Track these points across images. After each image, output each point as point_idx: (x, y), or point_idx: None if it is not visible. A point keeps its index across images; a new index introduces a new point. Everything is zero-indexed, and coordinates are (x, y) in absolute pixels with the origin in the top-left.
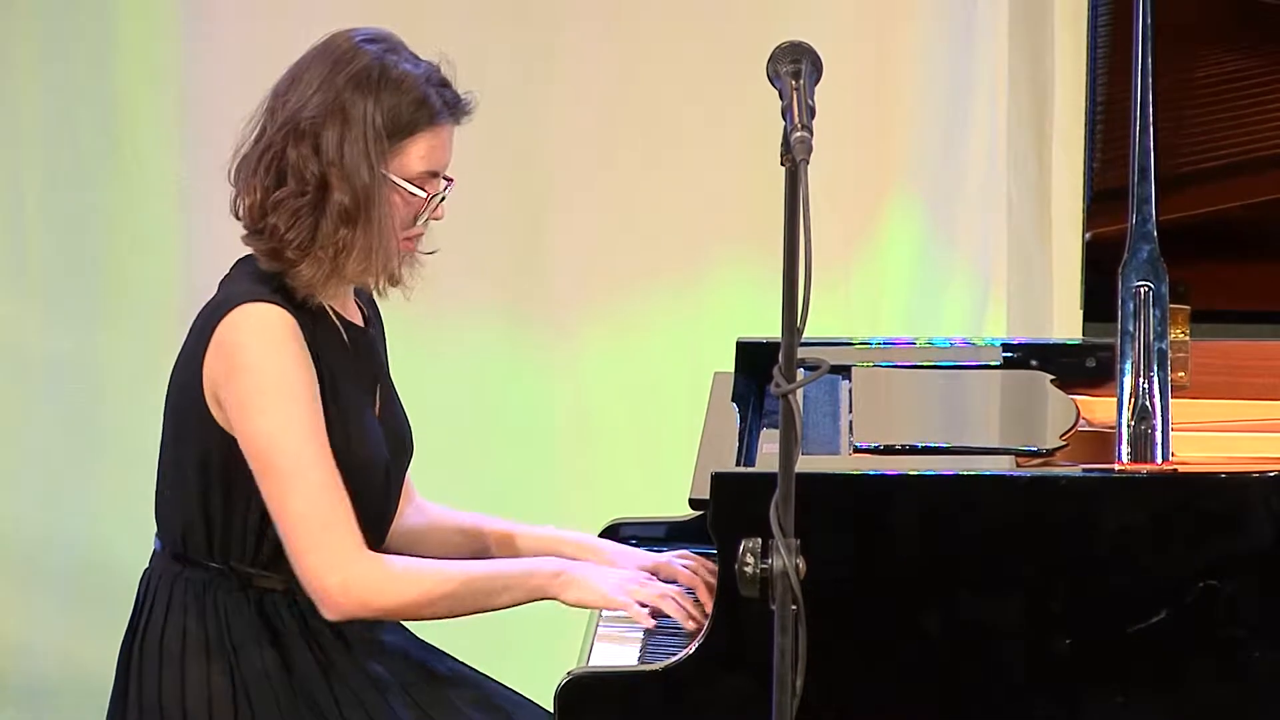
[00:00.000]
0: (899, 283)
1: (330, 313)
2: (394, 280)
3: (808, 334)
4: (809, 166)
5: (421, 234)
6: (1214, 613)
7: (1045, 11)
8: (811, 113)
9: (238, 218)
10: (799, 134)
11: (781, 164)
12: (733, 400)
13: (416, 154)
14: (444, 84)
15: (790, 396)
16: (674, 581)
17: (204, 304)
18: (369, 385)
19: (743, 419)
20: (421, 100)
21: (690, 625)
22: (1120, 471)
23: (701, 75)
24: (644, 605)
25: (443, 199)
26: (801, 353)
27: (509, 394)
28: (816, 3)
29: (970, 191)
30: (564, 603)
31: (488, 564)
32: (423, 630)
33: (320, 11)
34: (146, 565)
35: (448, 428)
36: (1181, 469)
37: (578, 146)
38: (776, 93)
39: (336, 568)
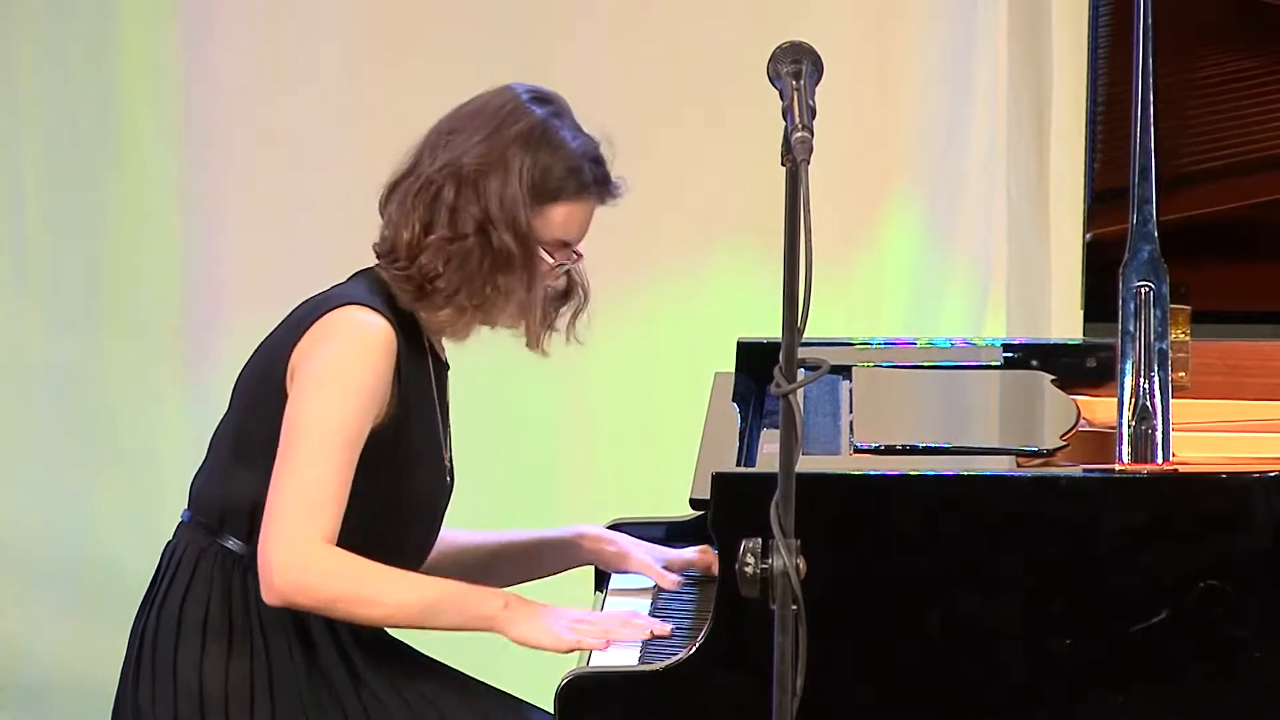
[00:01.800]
0: (899, 283)
1: (428, 346)
2: (538, 339)
3: (808, 334)
4: (809, 166)
5: (551, 301)
6: (1215, 613)
7: (1045, 11)
8: (812, 113)
9: (383, 252)
10: (800, 134)
11: (782, 164)
12: (733, 400)
13: (556, 220)
14: (598, 161)
15: (791, 396)
16: (683, 571)
17: (307, 298)
18: (444, 421)
19: (743, 419)
20: (574, 170)
21: (645, 635)
22: (1121, 472)
23: (702, 75)
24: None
25: (566, 271)
26: (802, 353)
27: (509, 395)
28: (817, 3)
29: (970, 191)
30: (509, 638)
31: (439, 581)
32: (424, 638)
33: (319, 12)
34: (169, 540)
35: (454, 428)
36: (1182, 469)
37: None
38: (777, 93)
39: (288, 549)
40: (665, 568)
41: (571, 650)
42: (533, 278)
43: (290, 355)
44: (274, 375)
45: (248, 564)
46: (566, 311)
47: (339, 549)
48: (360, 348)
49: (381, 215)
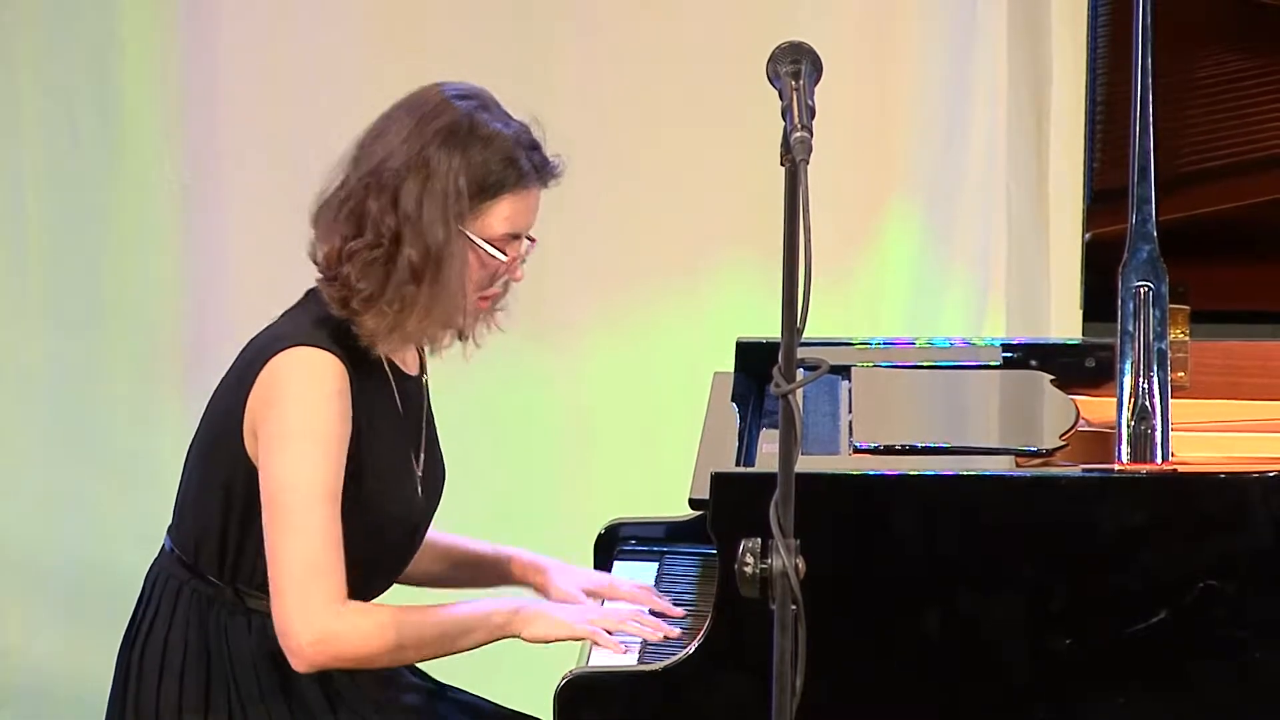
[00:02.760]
0: (898, 283)
1: (386, 366)
2: (462, 336)
3: (807, 334)
4: (809, 167)
5: (499, 294)
6: (1214, 613)
7: (1044, 11)
8: (811, 113)
9: (315, 262)
10: (799, 134)
11: (781, 164)
12: (732, 400)
13: (500, 215)
14: (534, 146)
15: (790, 396)
16: (673, 550)
17: (260, 331)
18: (414, 439)
19: (742, 419)
20: (510, 161)
21: (658, 638)
22: (1120, 472)
23: (702, 76)
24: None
25: (523, 261)
26: (801, 353)
27: (510, 394)
28: (817, 3)
29: (969, 191)
30: (524, 639)
31: (452, 609)
32: None
33: (320, 12)
34: (153, 560)
35: (450, 429)
36: (1181, 469)
37: (578, 148)
38: (776, 93)
39: (310, 622)
40: (592, 591)
41: (584, 638)
42: (453, 282)
43: (245, 405)
44: (230, 423)
45: (221, 601)
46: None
47: (355, 604)
48: (314, 392)
49: (313, 229)
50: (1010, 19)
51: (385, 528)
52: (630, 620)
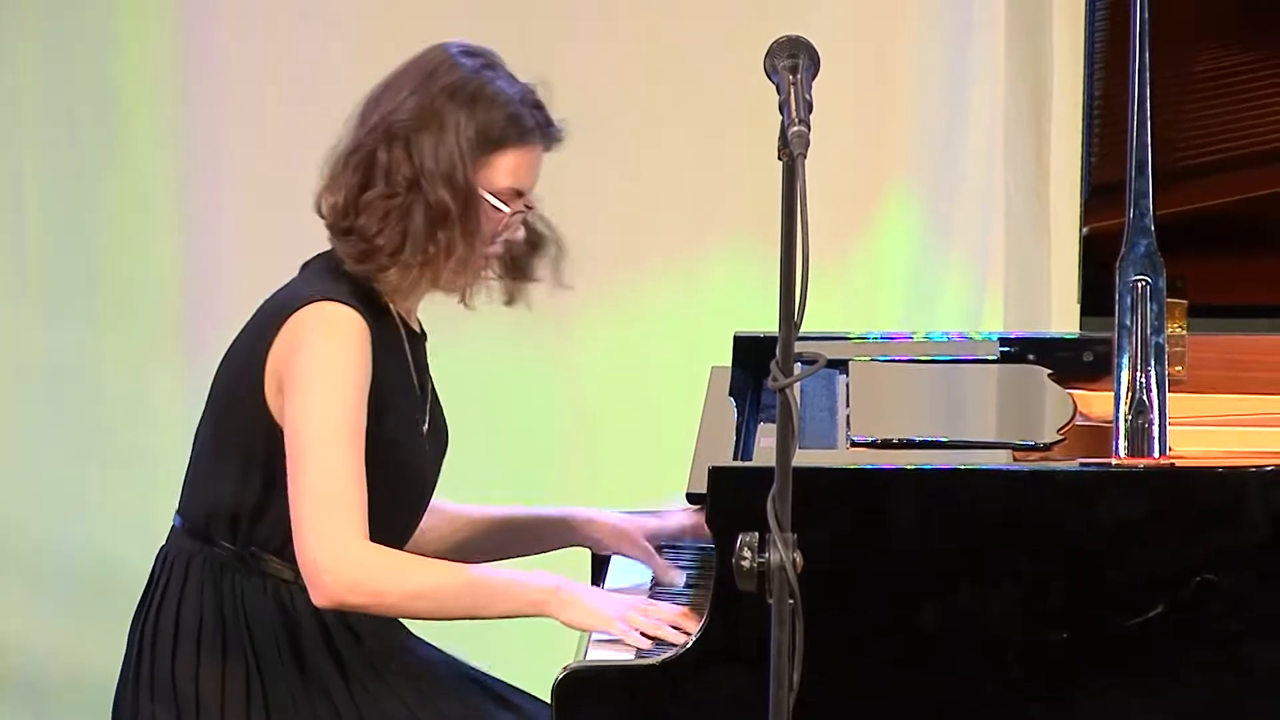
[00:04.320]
0: (896, 277)
1: (398, 319)
2: (462, 298)
3: (804, 328)
4: (806, 161)
5: (499, 253)
6: (1211, 607)
7: (1043, 6)
8: (809, 107)
9: (321, 215)
10: (796, 128)
11: (779, 158)
12: (730, 394)
13: (504, 168)
14: (538, 105)
15: (787, 390)
16: (673, 545)
17: (268, 297)
18: (422, 394)
19: (740, 413)
20: (514, 117)
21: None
22: (1117, 466)
23: (701, 70)
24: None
25: (524, 218)
26: (799, 347)
27: (510, 387)
28: (815, 1)
29: (968, 186)
30: (560, 622)
31: (484, 569)
32: (424, 630)
33: (319, 10)
34: (163, 544)
35: (451, 420)
36: (1179, 463)
37: (579, 142)
38: (774, 87)
39: (332, 547)
40: (656, 539)
41: (619, 637)
42: (473, 233)
43: (265, 360)
44: (249, 380)
45: (235, 566)
46: (544, 262)
47: (379, 545)
48: (340, 344)
49: (321, 182)
50: (1009, 13)
51: (397, 479)
52: (667, 626)
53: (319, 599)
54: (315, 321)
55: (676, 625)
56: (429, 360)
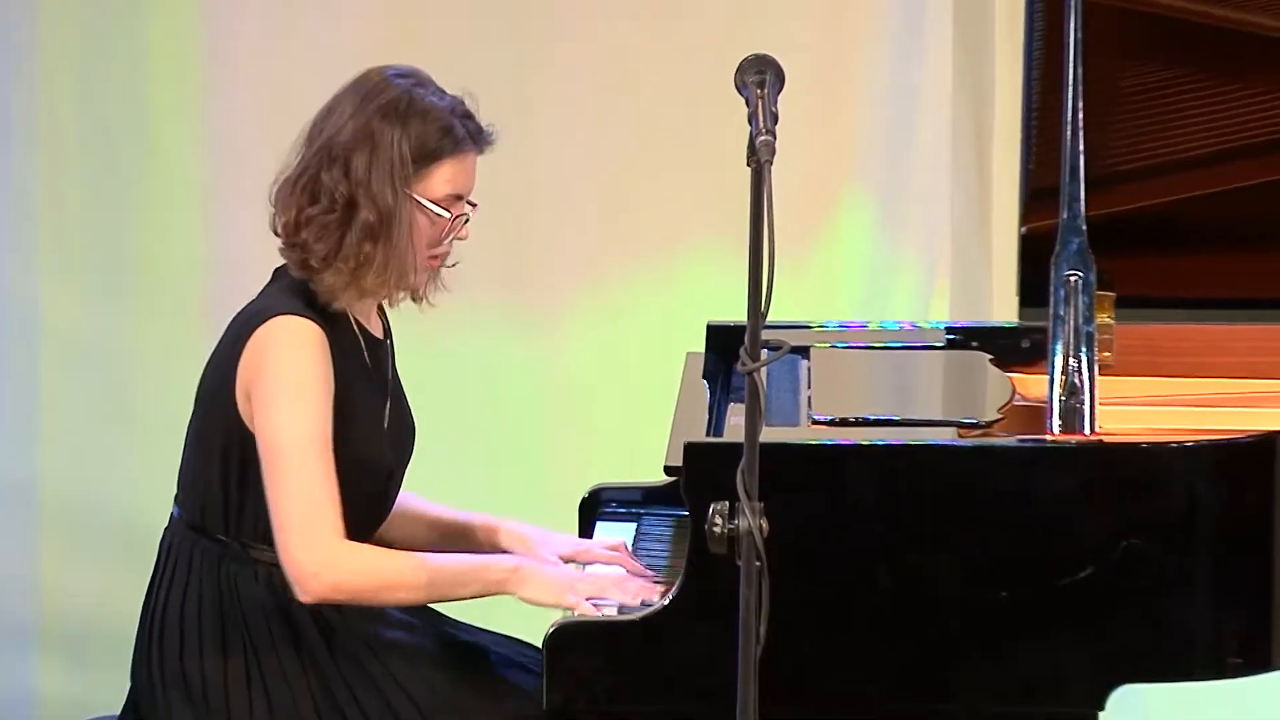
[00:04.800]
0: (853, 272)
1: (354, 326)
2: (415, 295)
3: (770, 318)
4: (772, 167)
5: (447, 252)
6: (1134, 567)
7: (986, 25)
8: (775, 118)
9: (276, 234)
10: (763, 138)
11: (748, 165)
12: (703, 378)
13: (442, 178)
14: (468, 115)
15: (755, 374)
16: (653, 512)
17: (241, 308)
18: (381, 394)
19: (712, 394)
20: (447, 129)
21: (635, 603)
22: (1052, 442)
23: (677, 84)
24: (590, 599)
25: (467, 220)
26: (765, 335)
27: (503, 373)
28: (780, 18)
29: (917, 189)
30: (519, 598)
31: (450, 557)
32: None
33: (334, 19)
34: (164, 528)
35: (447, 407)
36: (1106, 440)
37: (566, 149)
38: (744, 100)
39: (314, 552)
40: (571, 557)
41: (569, 608)
42: (403, 246)
43: (236, 372)
44: (224, 387)
45: (228, 556)
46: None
47: (356, 543)
48: (300, 354)
49: (272, 205)
50: (955, 32)
51: (359, 474)
52: (612, 587)
53: (304, 598)
54: (276, 336)
55: (618, 586)
56: (395, 360)
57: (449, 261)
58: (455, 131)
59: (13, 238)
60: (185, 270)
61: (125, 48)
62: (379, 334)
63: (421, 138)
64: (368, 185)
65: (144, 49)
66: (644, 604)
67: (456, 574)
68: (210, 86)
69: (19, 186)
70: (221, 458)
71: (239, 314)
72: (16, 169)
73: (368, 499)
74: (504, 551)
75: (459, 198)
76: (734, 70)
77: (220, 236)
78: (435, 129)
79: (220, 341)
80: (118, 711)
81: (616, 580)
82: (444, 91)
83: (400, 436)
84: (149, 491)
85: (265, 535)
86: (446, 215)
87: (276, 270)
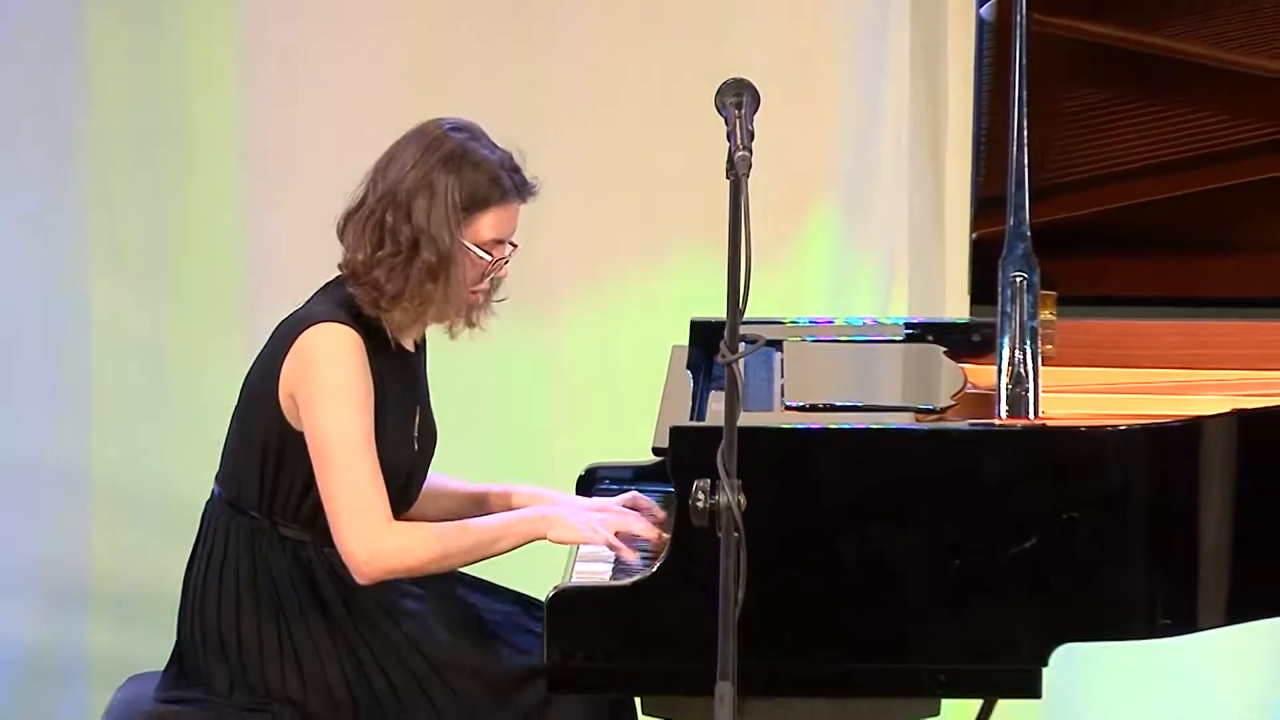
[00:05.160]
0: (821, 272)
1: (391, 341)
2: (470, 323)
3: (747, 314)
4: (748, 180)
5: (488, 289)
6: (1074, 539)
7: (940, 52)
8: (751, 136)
9: (342, 269)
10: (740, 153)
11: (726, 177)
12: (687, 368)
13: (487, 224)
14: (515, 169)
15: (733, 365)
16: (642, 487)
17: (287, 315)
18: (411, 401)
19: (695, 383)
20: (495, 180)
21: (654, 535)
22: (999, 426)
23: (664, 103)
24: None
25: (506, 261)
26: (743, 329)
27: (509, 365)
28: (756, 42)
29: (878, 199)
30: (549, 540)
31: (484, 519)
32: None
33: (354, 37)
34: (208, 499)
35: (458, 392)
36: (1048, 424)
37: (565, 161)
38: (723, 120)
39: (365, 543)
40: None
41: (596, 544)
42: (458, 281)
43: (280, 374)
44: (268, 389)
45: (261, 533)
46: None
47: (401, 524)
48: (340, 357)
49: (340, 241)
50: (913, 57)
51: (389, 475)
52: (635, 521)
53: (362, 581)
54: (316, 343)
55: (634, 531)
56: (427, 368)
57: (499, 296)
58: (503, 182)
59: (67, 242)
60: (222, 271)
61: (167, 68)
62: (411, 348)
63: (473, 186)
64: (427, 229)
65: (184, 68)
66: (641, 560)
67: (494, 532)
68: (245, 103)
69: (73, 196)
70: (261, 448)
71: (284, 320)
72: (71, 181)
73: (395, 493)
74: None
75: (501, 242)
76: (715, 91)
77: (254, 240)
78: (485, 179)
79: (266, 344)
80: (162, 666)
81: (636, 515)
82: (495, 145)
83: (425, 441)
84: (188, 471)
85: (294, 515)
86: (488, 258)
87: (328, 283)
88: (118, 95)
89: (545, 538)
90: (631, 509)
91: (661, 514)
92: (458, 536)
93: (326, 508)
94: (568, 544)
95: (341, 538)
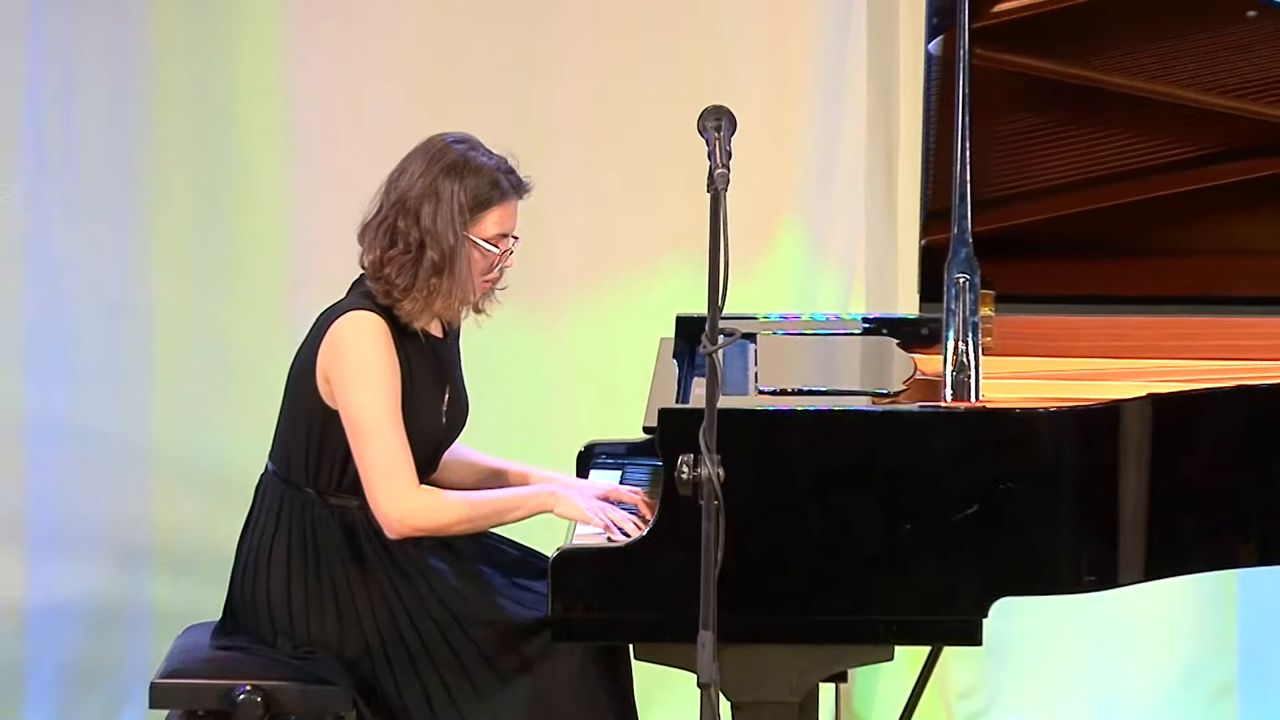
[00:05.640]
0: (789, 274)
1: (420, 332)
2: (476, 310)
3: (726, 310)
4: (726, 194)
5: (497, 278)
6: (1010, 506)
7: (893, 82)
8: (728, 155)
9: (363, 267)
10: (719, 171)
11: (707, 191)
12: (673, 357)
13: (491, 221)
14: (510, 171)
15: (713, 355)
16: (621, 503)
17: (326, 308)
18: (439, 380)
19: (680, 370)
20: (494, 182)
21: (633, 534)
22: (945, 407)
23: (654, 125)
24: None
25: (511, 253)
26: (722, 324)
27: (520, 356)
28: (736, 75)
29: (839, 210)
30: (556, 514)
31: (501, 491)
32: None
33: (387, 48)
34: (262, 473)
35: (475, 381)
36: (988, 406)
37: (569, 179)
38: (705, 141)
39: (395, 504)
40: (604, 496)
41: (594, 524)
42: (463, 275)
43: (317, 360)
44: (308, 374)
45: (310, 503)
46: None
47: (428, 488)
48: (368, 339)
49: (360, 243)
50: (869, 88)
51: (418, 444)
52: (628, 520)
53: (391, 536)
54: (345, 329)
55: (634, 522)
56: (460, 355)
57: (501, 285)
58: (501, 184)
59: (132, 243)
60: (268, 267)
61: (221, 86)
62: (438, 333)
63: (475, 189)
64: (433, 231)
65: (235, 86)
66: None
67: (511, 502)
68: (289, 119)
69: (138, 203)
70: (306, 427)
71: (322, 313)
72: (136, 189)
73: (423, 459)
74: None
75: (505, 235)
76: (697, 119)
77: (295, 240)
78: (486, 182)
79: (306, 336)
80: (216, 618)
81: (631, 518)
82: (491, 152)
83: (455, 416)
84: (235, 445)
85: (338, 486)
86: (495, 251)
87: (355, 281)
88: (177, 117)
89: (553, 511)
90: (616, 501)
91: (638, 499)
92: (479, 503)
93: (361, 474)
94: (571, 520)
95: (374, 498)
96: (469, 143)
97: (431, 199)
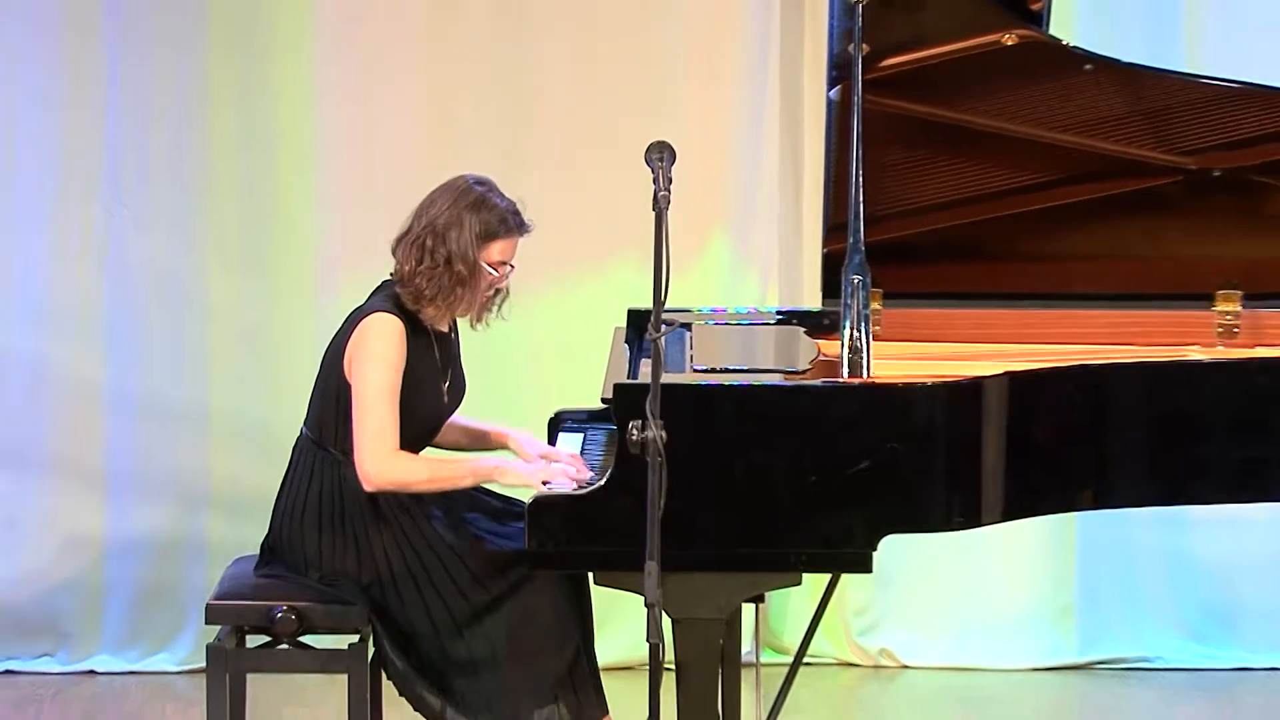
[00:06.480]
0: (718, 274)
1: (429, 330)
2: (480, 318)
3: (667, 305)
4: (668, 211)
5: (491, 297)
6: (893, 461)
7: (800, 123)
8: (670, 181)
9: (391, 275)
10: (662, 193)
11: (652, 209)
12: (625, 342)
13: (496, 250)
14: (517, 213)
15: (657, 340)
16: (593, 426)
17: (357, 306)
18: (442, 370)
19: (631, 353)
20: (503, 220)
21: (573, 488)
22: (843, 383)
23: (615, 153)
24: (547, 481)
25: (507, 277)
26: (664, 316)
27: (501, 341)
28: (675, 115)
29: (759, 224)
30: (502, 484)
31: (461, 459)
32: None
33: (411, 63)
34: (298, 436)
35: (468, 362)
36: (876, 381)
37: (540, 195)
38: (649, 167)
39: (375, 462)
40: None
41: (535, 487)
42: (478, 288)
43: (345, 347)
44: (338, 359)
45: (338, 462)
46: (499, 301)
47: (404, 452)
48: (385, 335)
49: (394, 256)
50: (781, 126)
51: (418, 423)
52: (561, 477)
53: (369, 488)
54: (369, 325)
55: (566, 477)
56: (460, 346)
57: (499, 300)
58: (509, 222)
59: (188, 242)
60: (301, 267)
61: (264, 120)
62: (444, 329)
63: (488, 223)
64: (458, 250)
65: (275, 119)
66: (590, 483)
67: (463, 468)
68: (319, 147)
69: (196, 215)
70: (335, 401)
71: (352, 312)
72: (194, 204)
73: (422, 434)
74: (506, 448)
75: (504, 263)
76: (644, 148)
77: (322, 246)
78: (497, 219)
79: (339, 329)
80: (258, 551)
81: (565, 472)
82: (504, 195)
83: (454, 395)
84: (276, 410)
85: None
86: (495, 274)
87: (381, 284)
88: (227, 131)
89: (499, 482)
90: (556, 461)
91: (588, 475)
92: (441, 467)
93: (354, 435)
94: (516, 486)
95: (360, 455)
96: (488, 185)
97: (456, 226)
